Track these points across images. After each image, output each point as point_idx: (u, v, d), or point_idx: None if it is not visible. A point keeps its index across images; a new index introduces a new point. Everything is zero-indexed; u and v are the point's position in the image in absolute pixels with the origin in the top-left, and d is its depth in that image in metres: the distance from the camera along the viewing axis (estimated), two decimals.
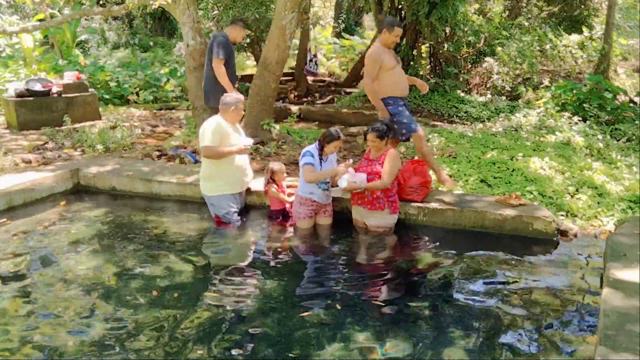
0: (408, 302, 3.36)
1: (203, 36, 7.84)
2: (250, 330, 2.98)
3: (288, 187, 4.82)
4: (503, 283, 3.62)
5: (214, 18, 12.82)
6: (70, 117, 8.46)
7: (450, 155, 6.26)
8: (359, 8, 19.02)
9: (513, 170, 5.58)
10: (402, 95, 4.96)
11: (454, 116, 9.02)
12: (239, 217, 4.67)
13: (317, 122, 9.21)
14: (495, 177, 5.43)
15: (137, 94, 11.67)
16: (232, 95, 4.69)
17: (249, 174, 4.93)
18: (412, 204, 4.53)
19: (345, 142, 7.50)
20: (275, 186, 4.65)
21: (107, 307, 3.23)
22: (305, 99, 12.01)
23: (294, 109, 10.01)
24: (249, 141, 4.74)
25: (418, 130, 4.90)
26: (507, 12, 12.94)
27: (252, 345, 2.85)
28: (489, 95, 9.75)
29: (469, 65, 10.96)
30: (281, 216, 4.71)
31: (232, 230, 4.57)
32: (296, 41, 13.21)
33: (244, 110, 4.75)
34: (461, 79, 10.27)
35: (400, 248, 4.31)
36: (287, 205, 4.69)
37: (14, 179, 5.24)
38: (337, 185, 4.25)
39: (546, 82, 10.26)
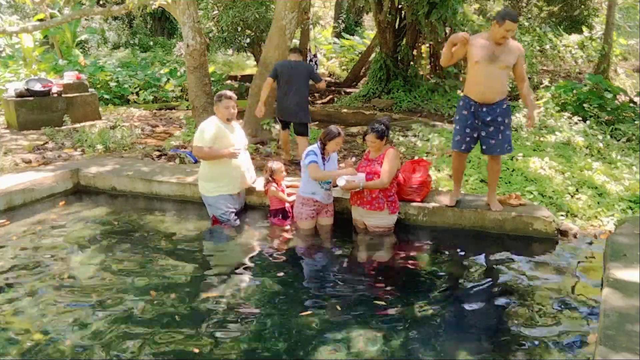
0: (408, 302, 3.35)
1: (203, 36, 7.85)
2: (249, 330, 2.98)
3: (288, 187, 4.82)
4: (503, 283, 3.62)
5: (214, 18, 12.83)
6: (70, 117, 8.46)
7: (450, 155, 6.26)
8: (359, 8, 19.05)
9: (513, 170, 5.58)
10: (477, 100, 4.15)
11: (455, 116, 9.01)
12: (237, 217, 4.67)
13: (317, 122, 9.22)
14: None
15: (137, 94, 11.68)
16: (224, 90, 4.72)
17: (251, 174, 4.92)
18: (412, 204, 4.53)
19: (345, 142, 7.51)
20: (275, 185, 4.65)
21: (106, 307, 3.22)
22: None
23: None
24: (241, 145, 4.73)
25: (454, 149, 4.38)
26: None
27: (251, 345, 2.85)
28: None
29: None
30: (281, 215, 4.70)
31: (232, 230, 4.57)
32: (296, 41, 13.21)
33: (235, 109, 4.68)
34: (461, 79, 10.28)
35: (400, 248, 4.30)
36: (287, 205, 4.69)
37: (14, 179, 5.23)
38: (337, 185, 4.26)
39: (546, 82, 10.26)
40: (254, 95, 7.60)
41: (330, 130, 4.36)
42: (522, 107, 8.86)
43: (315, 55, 14.83)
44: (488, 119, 4.18)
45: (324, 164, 4.38)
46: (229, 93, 4.66)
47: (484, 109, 4.17)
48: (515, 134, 7.24)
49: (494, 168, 4.40)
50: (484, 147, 4.30)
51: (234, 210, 4.68)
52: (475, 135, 4.27)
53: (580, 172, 5.53)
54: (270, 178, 4.67)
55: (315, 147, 4.40)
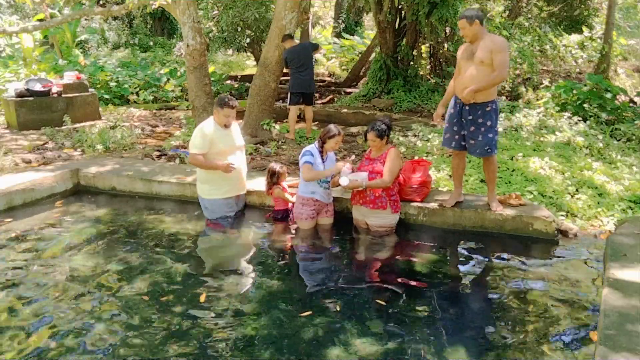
0: (408, 302, 3.36)
1: (203, 36, 7.85)
2: (250, 330, 2.98)
3: (289, 186, 4.81)
4: (503, 283, 3.62)
5: (214, 18, 12.84)
6: (70, 117, 8.45)
7: (450, 155, 6.25)
8: (359, 8, 19.04)
9: (513, 170, 5.58)
10: (459, 98, 4.30)
11: None
12: (232, 222, 4.66)
13: (317, 122, 9.21)
14: None
15: (137, 94, 11.68)
16: (229, 97, 4.68)
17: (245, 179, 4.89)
18: (412, 204, 4.53)
19: (345, 142, 7.52)
20: (279, 187, 4.65)
21: (105, 308, 3.22)
22: None
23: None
24: (238, 160, 4.67)
25: (443, 146, 4.60)
26: (507, 12, 12.95)
27: (251, 345, 2.85)
28: None
29: None
30: (283, 215, 4.69)
31: (232, 230, 4.57)
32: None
33: (233, 118, 4.64)
34: None
35: (401, 248, 4.31)
36: (291, 205, 4.68)
37: (14, 179, 5.23)
38: (339, 185, 4.25)
39: (546, 82, 10.25)
40: (254, 95, 7.61)
41: (329, 129, 4.36)
42: (522, 107, 8.88)
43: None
44: (469, 118, 4.24)
45: (323, 163, 4.38)
46: (233, 103, 4.53)
47: (467, 108, 4.24)
48: (515, 134, 7.23)
49: (489, 168, 4.42)
50: (467, 146, 4.36)
51: (231, 214, 4.66)
52: (462, 133, 4.33)
53: (580, 172, 5.52)
54: (270, 180, 4.65)
55: (313, 147, 4.40)
